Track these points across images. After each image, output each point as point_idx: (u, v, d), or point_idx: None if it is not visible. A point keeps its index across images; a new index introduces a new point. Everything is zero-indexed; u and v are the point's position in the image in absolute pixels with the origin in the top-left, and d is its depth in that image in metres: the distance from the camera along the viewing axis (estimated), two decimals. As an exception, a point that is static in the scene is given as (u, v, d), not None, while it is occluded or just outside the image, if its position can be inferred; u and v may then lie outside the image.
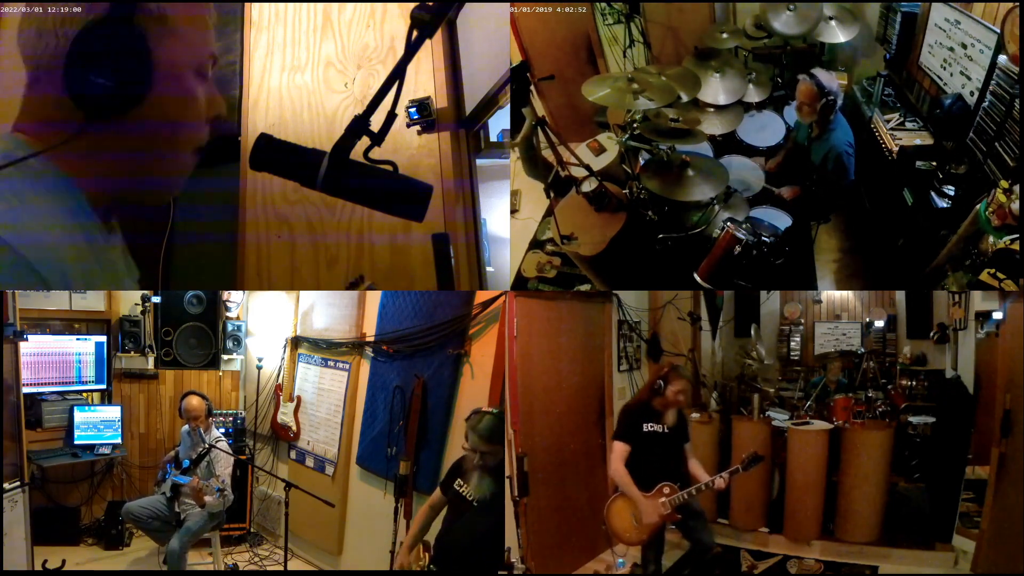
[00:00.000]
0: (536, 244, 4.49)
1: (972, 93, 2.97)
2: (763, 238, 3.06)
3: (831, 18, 3.88)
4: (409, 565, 2.76)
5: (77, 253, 1.14)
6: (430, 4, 1.33)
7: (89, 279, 1.19)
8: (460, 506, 2.67)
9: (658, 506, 2.99)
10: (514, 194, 4.77)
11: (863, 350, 5.16)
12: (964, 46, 3.05)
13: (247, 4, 3.72)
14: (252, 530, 4.60)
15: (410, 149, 3.39)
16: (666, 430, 3.11)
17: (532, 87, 3.46)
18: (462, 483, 2.68)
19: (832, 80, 3.29)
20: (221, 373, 4.93)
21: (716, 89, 3.86)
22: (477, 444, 2.62)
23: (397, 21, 3.56)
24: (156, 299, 4.51)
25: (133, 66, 1.14)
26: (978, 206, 2.61)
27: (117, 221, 1.28)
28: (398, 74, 1.34)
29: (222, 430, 4.27)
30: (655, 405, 3.13)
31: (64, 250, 1.11)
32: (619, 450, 3.07)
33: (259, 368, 4.80)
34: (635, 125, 3.47)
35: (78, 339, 4.44)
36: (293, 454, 4.42)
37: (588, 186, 3.42)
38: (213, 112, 1.28)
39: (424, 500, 3.16)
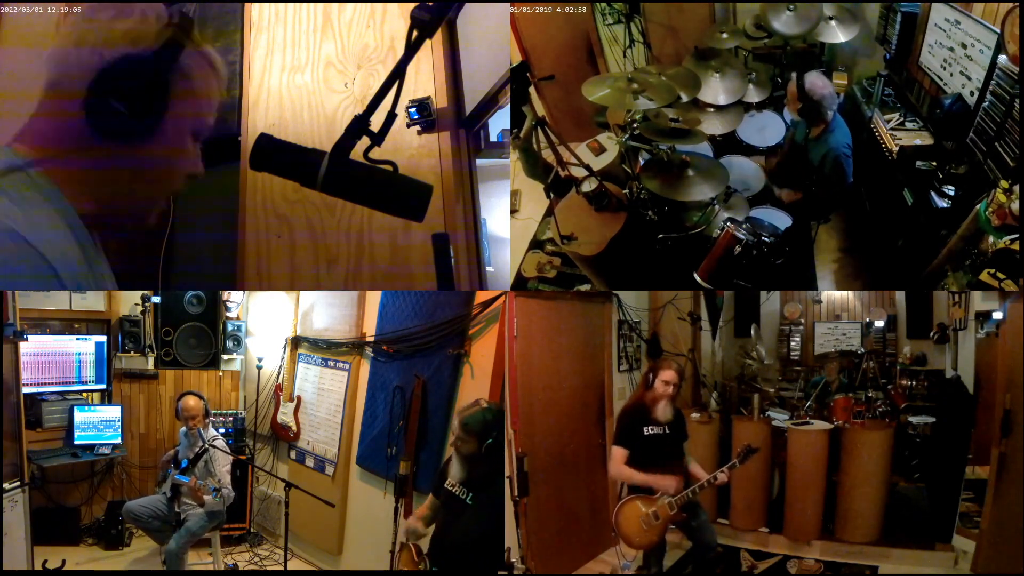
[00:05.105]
0: (536, 244, 4.50)
1: (972, 93, 2.97)
2: (763, 238, 3.06)
3: (831, 18, 3.87)
4: (412, 528, 2.79)
5: (78, 256, 1.20)
6: (430, 4, 1.34)
7: (88, 282, 1.24)
8: (454, 506, 2.67)
9: (676, 481, 2.97)
10: (514, 194, 4.78)
11: (863, 350, 5.16)
12: (964, 46, 3.05)
13: (247, 4, 3.72)
14: (252, 530, 4.60)
15: (410, 149, 3.39)
16: (666, 430, 3.10)
17: (532, 87, 3.46)
18: (453, 483, 2.68)
19: (825, 87, 3.27)
20: (221, 373, 4.93)
21: (716, 89, 3.86)
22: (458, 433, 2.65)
23: (397, 21, 3.56)
24: (156, 299, 4.51)
25: (154, 103, 1.22)
26: (978, 206, 2.61)
27: (100, 242, 1.34)
28: (398, 74, 1.34)
29: (222, 430, 4.27)
30: (647, 401, 3.12)
31: (70, 248, 1.17)
32: (618, 455, 3.06)
33: (259, 368, 4.80)
34: (635, 125, 3.47)
35: (78, 339, 4.43)
36: (293, 454, 4.43)
37: (588, 186, 3.43)
38: (193, 170, 1.36)
39: (424, 500, 3.16)
